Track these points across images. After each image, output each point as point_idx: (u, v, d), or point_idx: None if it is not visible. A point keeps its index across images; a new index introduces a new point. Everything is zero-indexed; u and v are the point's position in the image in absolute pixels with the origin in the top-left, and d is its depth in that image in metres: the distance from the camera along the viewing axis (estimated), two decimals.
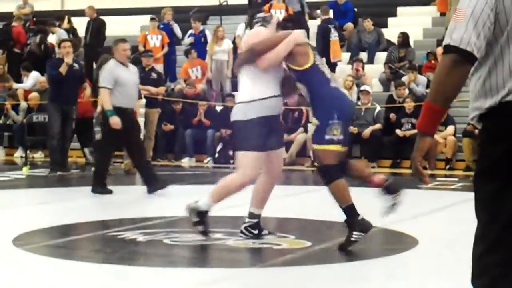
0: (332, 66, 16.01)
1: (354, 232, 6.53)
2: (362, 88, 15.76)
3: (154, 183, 10.57)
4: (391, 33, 17.88)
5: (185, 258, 6.70)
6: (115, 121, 10.26)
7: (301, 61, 6.71)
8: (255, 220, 7.27)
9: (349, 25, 18.33)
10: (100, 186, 10.58)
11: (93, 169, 11.23)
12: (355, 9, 18.77)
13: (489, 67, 3.05)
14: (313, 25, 17.85)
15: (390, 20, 19.20)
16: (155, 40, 17.65)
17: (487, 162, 3.04)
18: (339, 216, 7.06)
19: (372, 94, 15.82)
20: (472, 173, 15.25)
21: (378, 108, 15.46)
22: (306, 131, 14.98)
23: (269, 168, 7.15)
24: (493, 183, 3.01)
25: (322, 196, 9.86)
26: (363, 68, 16.68)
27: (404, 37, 17.11)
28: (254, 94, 6.84)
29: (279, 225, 8.50)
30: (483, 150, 3.09)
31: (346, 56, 17.83)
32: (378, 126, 15.26)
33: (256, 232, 7.26)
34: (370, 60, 17.68)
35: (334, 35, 16.68)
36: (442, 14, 18.56)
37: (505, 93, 3.00)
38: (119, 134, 10.38)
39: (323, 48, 15.91)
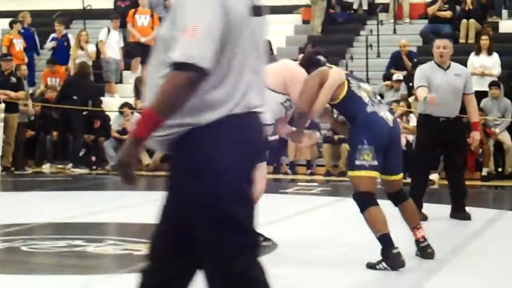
0: None
1: (383, 263, 6.21)
2: None
3: (460, 210, 9.00)
4: None
5: (43, 265, 6.60)
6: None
7: (335, 95, 6.39)
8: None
9: None
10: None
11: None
12: None
13: (217, 81, 3.06)
14: None
15: None
16: (20, 45, 17.25)
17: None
18: None
19: None
20: (331, 178, 15.39)
21: None
22: None
23: None
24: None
25: None
26: None
27: (268, 44, 17.36)
28: None
29: (141, 231, 8.47)
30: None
31: None
32: None
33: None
34: None
35: None
36: (305, 22, 18.96)
37: (233, 105, 3.07)
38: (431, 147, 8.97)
39: None
